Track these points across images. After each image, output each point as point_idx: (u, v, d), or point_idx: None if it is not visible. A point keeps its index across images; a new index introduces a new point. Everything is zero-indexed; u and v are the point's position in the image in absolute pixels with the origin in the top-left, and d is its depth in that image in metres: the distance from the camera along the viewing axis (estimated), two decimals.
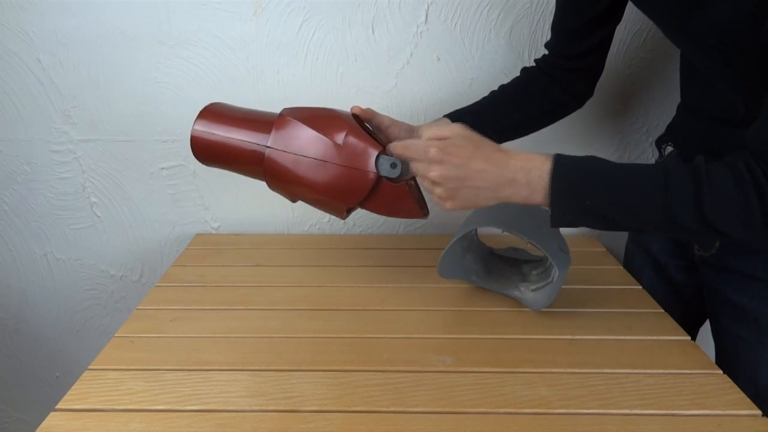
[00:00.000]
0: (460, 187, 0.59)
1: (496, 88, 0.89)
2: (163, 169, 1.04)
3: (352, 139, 0.65)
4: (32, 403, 1.27)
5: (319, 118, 0.67)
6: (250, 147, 0.66)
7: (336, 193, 0.67)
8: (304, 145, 0.65)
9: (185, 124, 1.01)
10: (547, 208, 0.59)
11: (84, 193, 1.06)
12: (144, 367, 0.66)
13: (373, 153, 0.66)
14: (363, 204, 0.69)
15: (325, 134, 0.65)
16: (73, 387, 0.63)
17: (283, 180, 0.67)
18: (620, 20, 0.75)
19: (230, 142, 0.67)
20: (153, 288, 0.86)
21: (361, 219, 1.09)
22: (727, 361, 0.74)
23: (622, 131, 1.01)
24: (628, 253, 0.94)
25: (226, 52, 0.95)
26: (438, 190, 0.60)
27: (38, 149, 1.02)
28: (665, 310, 0.79)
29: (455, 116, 0.80)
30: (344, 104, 0.98)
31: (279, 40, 0.95)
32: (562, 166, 0.57)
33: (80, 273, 1.13)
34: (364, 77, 0.97)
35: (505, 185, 0.58)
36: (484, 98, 0.83)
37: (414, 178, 0.75)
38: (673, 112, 0.81)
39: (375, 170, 0.66)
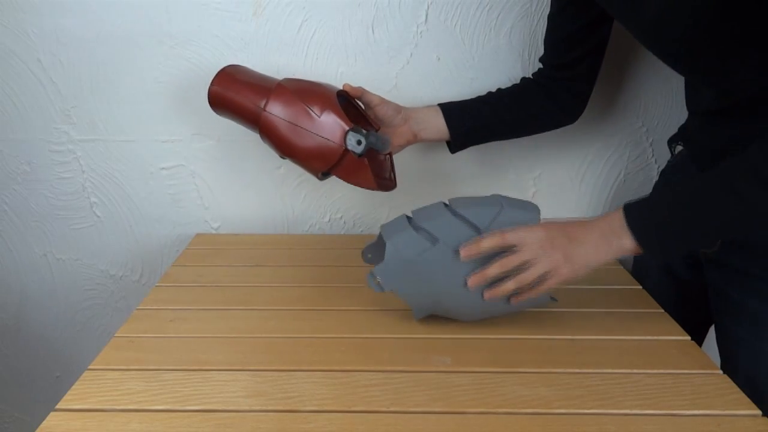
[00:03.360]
0: (568, 244, 0.62)
1: (495, 88, 0.90)
2: (163, 169, 1.04)
3: (329, 114, 0.77)
4: (32, 403, 1.27)
5: (308, 92, 0.79)
6: (251, 107, 0.79)
7: (310, 157, 0.79)
8: (292, 113, 0.78)
9: (185, 124, 1.01)
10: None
11: (84, 193, 1.06)
12: (144, 367, 0.66)
13: (344, 128, 0.77)
14: (332, 170, 0.80)
15: (308, 106, 0.77)
16: (73, 387, 0.63)
17: (271, 138, 0.80)
18: (608, 36, 0.81)
19: (237, 100, 0.81)
20: (153, 288, 0.86)
21: (361, 219, 1.09)
22: (727, 360, 0.74)
23: (622, 131, 1.01)
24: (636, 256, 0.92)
25: (226, 52, 0.95)
26: (553, 260, 0.62)
27: (38, 149, 1.02)
28: (672, 310, 0.78)
29: (446, 107, 0.87)
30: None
31: (279, 40, 0.95)
32: (631, 206, 0.62)
33: (80, 273, 1.13)
34: (364, 77, 0.97)
35: (600, 239, 0.62)
36: (478, 96, 0.89)
37: (390, 154, 0.85)
38: (674, 112, 0.81)
39: (343, 143, 0.77)
